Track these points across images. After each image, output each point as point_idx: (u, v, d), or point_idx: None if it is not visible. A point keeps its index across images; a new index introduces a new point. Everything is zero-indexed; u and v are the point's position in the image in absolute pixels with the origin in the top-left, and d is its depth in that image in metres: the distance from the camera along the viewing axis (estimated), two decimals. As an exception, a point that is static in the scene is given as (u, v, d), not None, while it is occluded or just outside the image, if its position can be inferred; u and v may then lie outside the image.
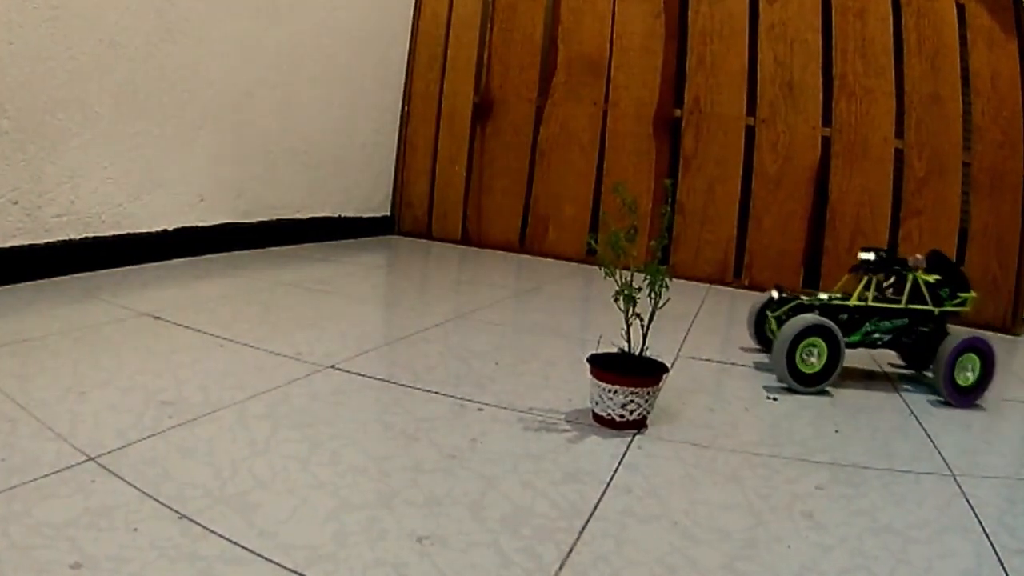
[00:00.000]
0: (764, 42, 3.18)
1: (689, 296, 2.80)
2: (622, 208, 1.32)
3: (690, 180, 3.29)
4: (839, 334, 1.65)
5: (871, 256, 1.80)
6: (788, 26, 3.15)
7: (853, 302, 1.77)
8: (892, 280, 1.85)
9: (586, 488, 1.05)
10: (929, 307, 1.77)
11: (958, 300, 1.79)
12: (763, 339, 1.96)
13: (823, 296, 1.82)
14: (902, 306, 1.77)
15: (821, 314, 1.73)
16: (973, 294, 1.81)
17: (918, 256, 1.80)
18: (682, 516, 1.00)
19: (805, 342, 1.63)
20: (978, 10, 2.93)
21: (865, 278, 1.80)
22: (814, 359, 1.65)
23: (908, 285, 1.78)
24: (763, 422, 1.44)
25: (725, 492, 1.09)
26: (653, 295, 1.29)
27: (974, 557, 0.96)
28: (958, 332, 1.72)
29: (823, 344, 1.64)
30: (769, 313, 1.88)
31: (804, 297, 1.86)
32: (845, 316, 1.76)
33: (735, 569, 0.87)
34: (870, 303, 1.77)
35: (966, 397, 1.67)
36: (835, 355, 1.65)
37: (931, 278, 1.78)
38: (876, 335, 1.78)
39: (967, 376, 1.67)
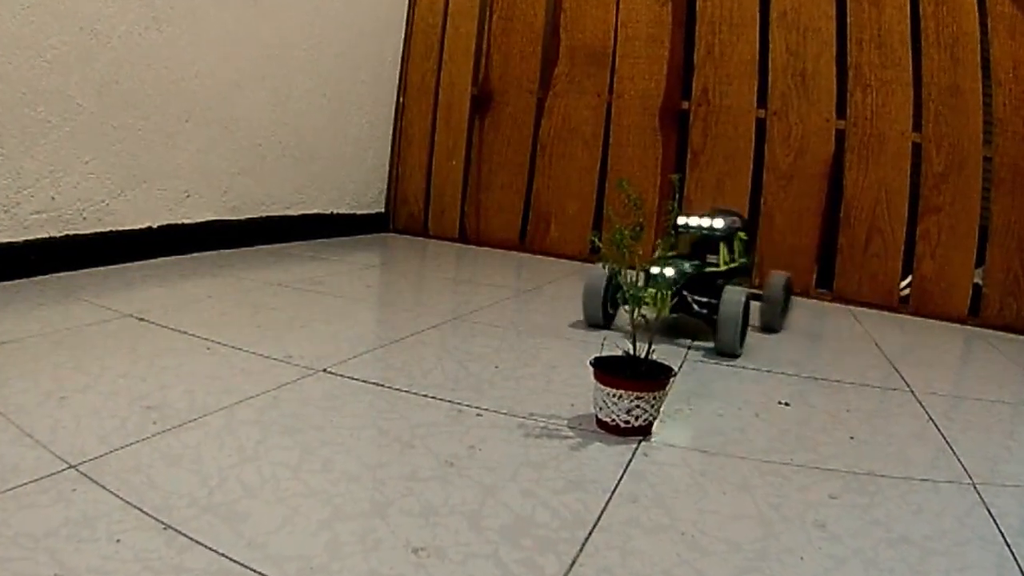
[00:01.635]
0: (776, 31, 3.18)
1: (697, 296, 2.80)
2: (627, 204, 1.32)
3: (698, 175, 3.29)
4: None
5: (720, 223, 2.13)
6: (801, 14, 3.15)
7: (723, 267, 2.10)
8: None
9: (589, 497, 1.05)
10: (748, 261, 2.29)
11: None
12: (606, 315, 2.12)
13: (690, 265, 2.04)
14: (737, 264, 2.19)
15: (712, 280, 2.04)
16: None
17: (735, 219, 2.22)
18: (690, 526, 1.00)
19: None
20: (999, -4, 2.93)
21: (723, 245, 2.13)
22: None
23: (737, 245, 2.20)
24: (774, 428, 1.44)
25: (735, 501, 1.09)
26: (659, 296, 1.29)
27: (995, 570, 0.96)
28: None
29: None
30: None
31: (686, 267, 2.03)
32: (721, 281, 2.05)
33: (745, 582, 0.87)
34: (730, 266, 2.14)
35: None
36: (747, 318, 1.98)
37: (743, 235, 2.23)
38: None
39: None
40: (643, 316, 1.30)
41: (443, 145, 3.69)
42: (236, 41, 2.66)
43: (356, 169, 3.52)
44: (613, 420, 1.29)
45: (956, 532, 1.05)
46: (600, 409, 1.31)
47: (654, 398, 1.29)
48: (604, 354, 1.34)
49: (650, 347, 1.31)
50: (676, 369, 1.72)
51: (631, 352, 1.32)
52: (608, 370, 1.29)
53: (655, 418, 1.32)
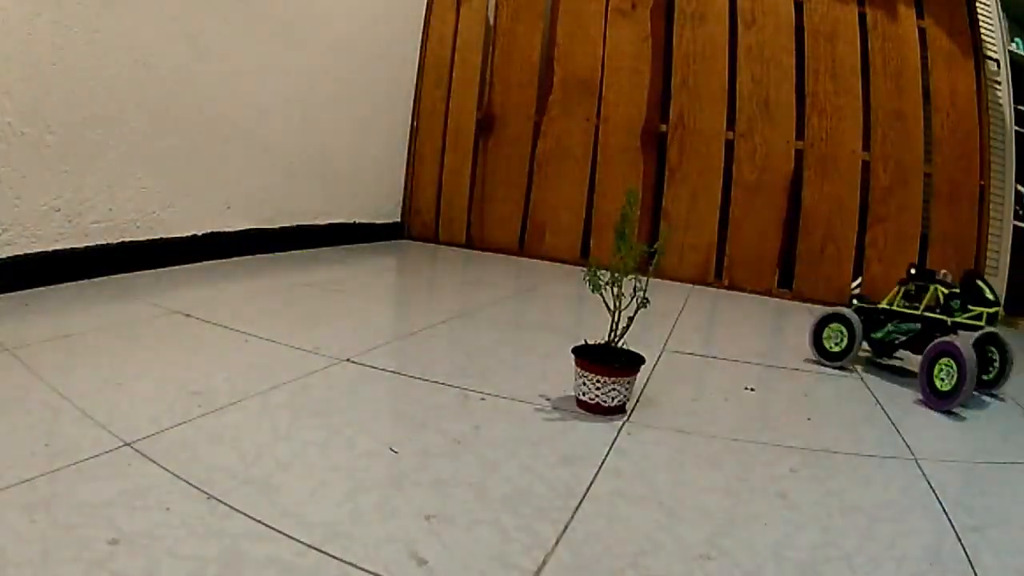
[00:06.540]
0: (742, 63, 3.18)
1: (674, 296, 2.80)
2: (618, 219, 1.32)
3: (675, 190, 3.29)
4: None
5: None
6: (764, 48, 3.15)
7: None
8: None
9: (580, 471, 1.05)
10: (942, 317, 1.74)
11: (970, 312, 1.71)
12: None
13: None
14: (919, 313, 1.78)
15: None
16: (992, 310, 1.69)
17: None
18: (668, 497, 1.00)
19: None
20: (938, 33, 2.94)
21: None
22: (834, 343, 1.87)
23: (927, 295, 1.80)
24: (741, 410, 1.44)
25: (707, 475, 1.09)
26: (637, 287, 1.28)
27: (934, 534, 0.96)
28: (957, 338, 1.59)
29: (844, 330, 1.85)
30: None
31: None
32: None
33: (716, 545, 0.87)
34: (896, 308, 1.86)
35: (942, 402, 1.54)
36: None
37: (947, 290, 1.76)
38: (894, 335, 1.84)
39: (944, 382, 1.54)
40: (617, 305, 1.29)
41: (451, 163, 3.69)
42: (269, 73, 2.65)
43: (375, 184, 3.52)
44: (593, 399, 1.29)
45: (900, 501, 1.05)
46: (583, 393, 1.31)
47: (628, 383, 1.30)
48: (582, 343, 1.35)
49: (622, 336, 1.31)
50: (656, 359, 1.72)
51: (611, 340, 1.32)
52: (591, 359, 1.29)
53: (627, 399, 1.32)
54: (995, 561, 0.89)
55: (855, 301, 1.96)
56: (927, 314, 1.76)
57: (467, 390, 1.37)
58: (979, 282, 1.73)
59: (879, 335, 1.85)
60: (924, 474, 1.16)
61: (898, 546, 0.91)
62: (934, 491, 1.09)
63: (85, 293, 1.84)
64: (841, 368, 1.84)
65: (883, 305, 1.88)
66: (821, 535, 0.92)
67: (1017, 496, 1.12)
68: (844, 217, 3.05)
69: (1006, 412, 1.61)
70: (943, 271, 1.84)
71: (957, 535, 0.95)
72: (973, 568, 0.86)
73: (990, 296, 1.70)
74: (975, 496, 1.11)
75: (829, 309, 1.90)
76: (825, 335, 1.88)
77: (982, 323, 1.68)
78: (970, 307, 1.71)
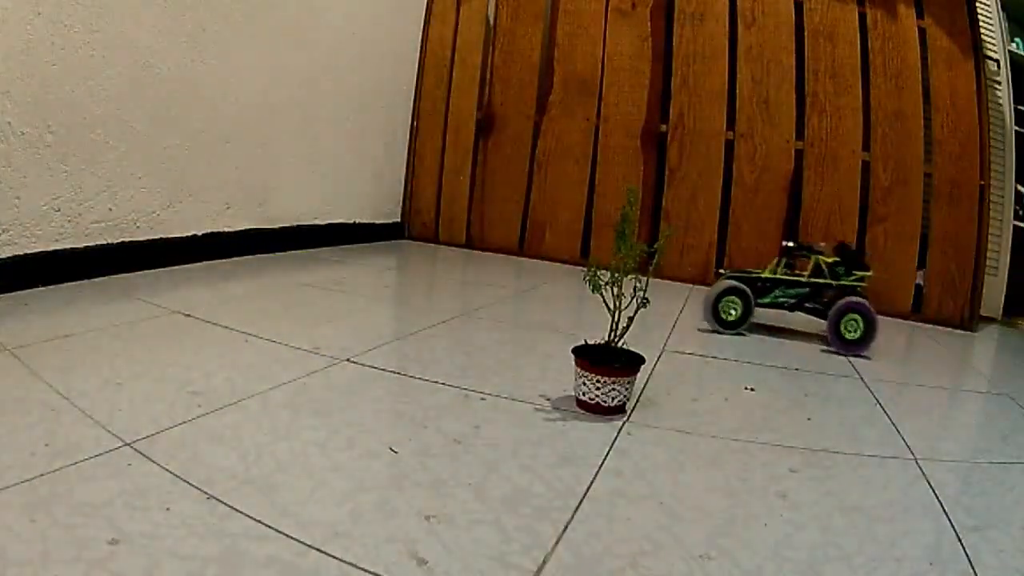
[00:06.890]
0: (742, 63, 3.18)
1: (674, 296, 2.80)
2: (618, 219, 1.32)
3: (675, 190, 3.29)
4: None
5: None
6: (764, 48, 3.15)
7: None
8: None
9: (580, 471, 1.05)
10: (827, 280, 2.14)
11: (854, 276, 2.13)
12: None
13: None
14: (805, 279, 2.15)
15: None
16: (870, 274, 2.13)
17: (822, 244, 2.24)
18: (667, 497, 1.00)
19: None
20: (938, 33, 2.94)
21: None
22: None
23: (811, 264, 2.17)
24: (741, 411, 1.44)
25: (707, 475, 1.09)
26: (636, 287, 1.28)
27: (934, 534, 0.96)
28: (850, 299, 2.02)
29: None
30: None
31: None
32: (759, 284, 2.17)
33: (716, 545, 0.87)
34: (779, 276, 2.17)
35: (852, 347, 2.01)
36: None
37: (830, 259, 2.15)
38: (782, 299, 2.17)
39: (852, 332, 2.01)
40: (617, 305, 1.29)
41: (451, 163, 3.69)
42: (271, 73, 2.65)
43: (375, 184, 3.52)
44: (593, 399, 1.29)
45: (900, 501, 1.05)
46: (583, 393, 1.31)
47: (628, 383, 1.30)
48: (582, 343, 1.35)
49: (618, 338, 1.31)
50: (655, 359, 1.72)
51: (612, 340, 1.32)
52: (591, 359, 1.29)
53: (627, 399, 1.32)
54: (995, 561, 0.89)
55: (723, 271, 2.22)
56: (814, 279, 2.12)
57: (467, 390, 1.37)
58: (855, 252, 2.15)
59: (766, 300, 2.15)
60: (924, 474, 1.16)
61: (898, 546, 0.91)
62: (934, 491, 1.09)
63: (85, 293, 1.84)
64: (738, 334, 2.11)
65: (766, 275, 2.16)
66: (821, 535, 0.92)
67: (1017, 496, 1.12)
68: (844, 216, 3.05)
69: (1006, 412, 1.62)
70: (821, 243, 2.27)
71: (957, 535, 0.95)
72: (973, 568, 0.86)
73: (865, 263, 2.15)
74: (975, 496, 1.11)
75: (722, 284, 2.12)
76: (722, 307, 2.11)
77: (864, 284, 2.11)
78: (854, 272, 2.12)
